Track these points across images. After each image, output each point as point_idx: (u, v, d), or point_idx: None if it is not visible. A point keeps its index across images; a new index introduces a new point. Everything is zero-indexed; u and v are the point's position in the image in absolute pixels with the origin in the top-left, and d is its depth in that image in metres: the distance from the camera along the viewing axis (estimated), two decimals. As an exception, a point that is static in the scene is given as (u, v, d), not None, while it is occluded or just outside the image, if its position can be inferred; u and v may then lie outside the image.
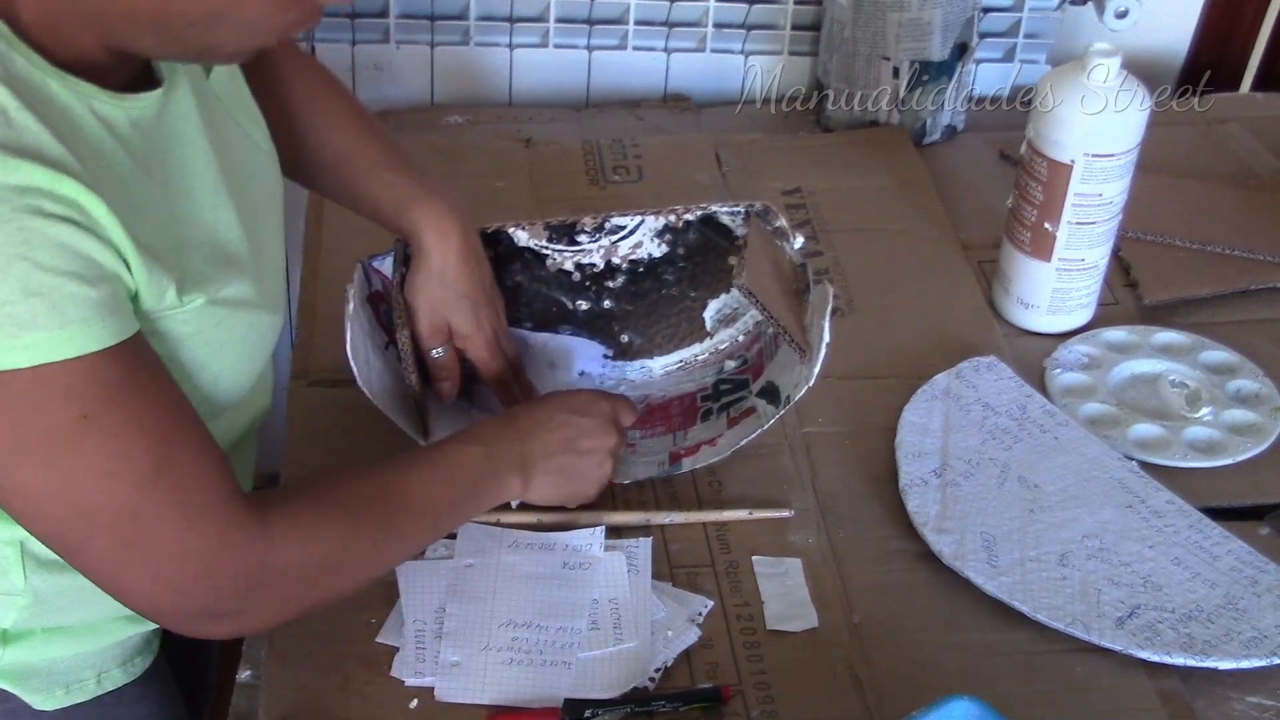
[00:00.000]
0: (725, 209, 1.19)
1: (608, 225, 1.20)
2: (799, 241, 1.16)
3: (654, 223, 1.20)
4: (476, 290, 1.11)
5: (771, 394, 1.14)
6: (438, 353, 1.12)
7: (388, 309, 1.14)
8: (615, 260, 1.21)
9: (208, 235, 0.90)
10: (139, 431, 0.81)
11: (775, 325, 1.13)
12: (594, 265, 1.21)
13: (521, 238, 1.19)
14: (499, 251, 1.19)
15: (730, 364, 1.22)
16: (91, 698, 1.02)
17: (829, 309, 1.07)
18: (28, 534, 0.90)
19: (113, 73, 0.83)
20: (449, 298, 1.10)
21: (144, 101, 0.86)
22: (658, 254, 1.21)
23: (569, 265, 1.21)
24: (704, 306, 1.23)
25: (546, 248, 1.20)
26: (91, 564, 0.83)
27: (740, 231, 1.19)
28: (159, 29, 0.79)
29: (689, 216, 1.19)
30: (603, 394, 1.11)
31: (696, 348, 1.23)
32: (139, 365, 0.82)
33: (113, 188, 0.80)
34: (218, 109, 0.95)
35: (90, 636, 1.00)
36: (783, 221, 1.16)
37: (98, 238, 0.78)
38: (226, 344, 0.91)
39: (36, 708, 1.00)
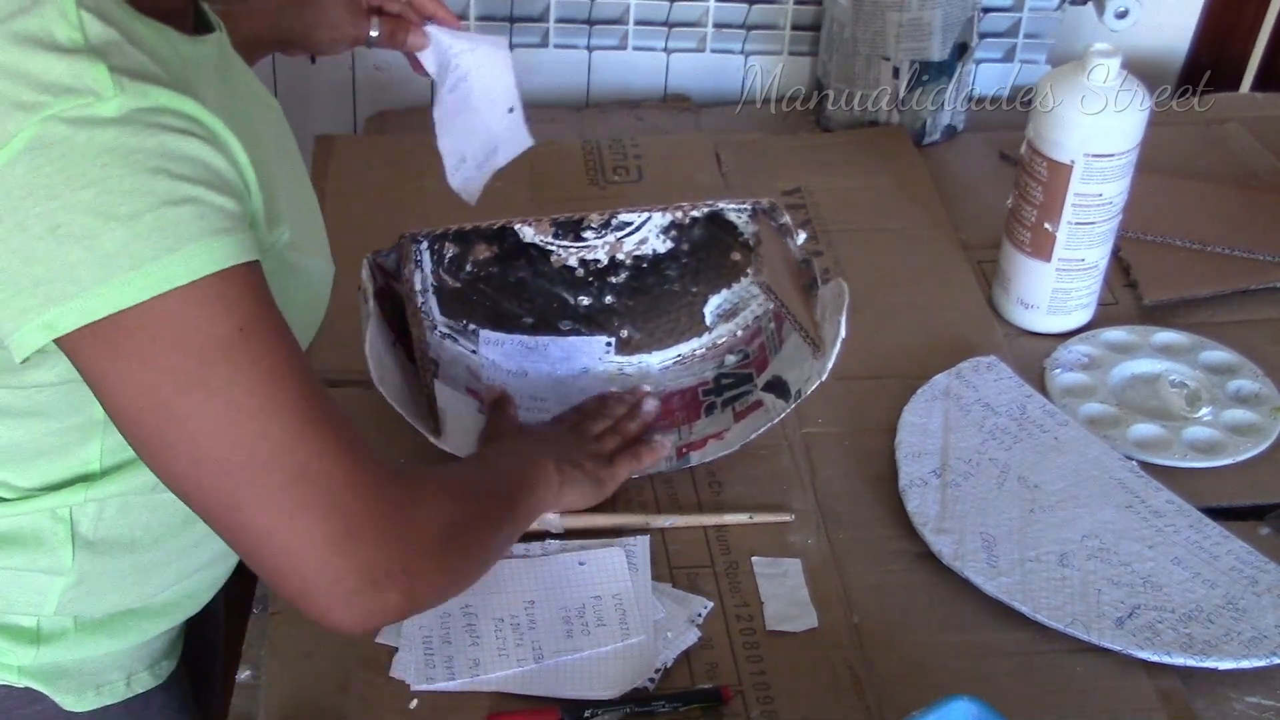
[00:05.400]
0: (732, 206, 1.19)
1: (614, 221, 1.20)
2: (801, 238, 1.16)
3: (660, 219, 1.20)
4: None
5: (779, 388, 1.14)
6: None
7: (391, 305, 1.14)
8: (619, 256, 1.21)
9: (276, 173, 0.90)
10: (288, 352, 0.79)
11: (791, 320, 1.13)
12: (598, 261, 1.21)
13: (527, 234, 1.19)
14: (504, 248, 1.19)
15: (731, 358, 1.22)
16: (121, 700, 1.01)
17: (845, 303, 1.07)
18: (78, 510, 0.90)
19: (182, 16, 0.85)
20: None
21: (209, 43, 0.87)
22: (662, 250, 1.21)
23: (573, 261, 1.21)
24: (704, 302, 1.23)
25: (552, 244, 1.20)
26: (251, 517, 0.77)
27: (746, 228, 1.20)
28: None
29: (695, 213, 1.20)
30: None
31: (695, 342, 1.23)
32: (267, 290, 0.80)
33: (219, 112, 0.80)
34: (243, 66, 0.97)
35: (120, 634, 0.99)
36: (787, 219, 1.16)
37: (224, 154, 0.78)
38: (299, 289, 0.91)
39: (68, 709, 0.99)
